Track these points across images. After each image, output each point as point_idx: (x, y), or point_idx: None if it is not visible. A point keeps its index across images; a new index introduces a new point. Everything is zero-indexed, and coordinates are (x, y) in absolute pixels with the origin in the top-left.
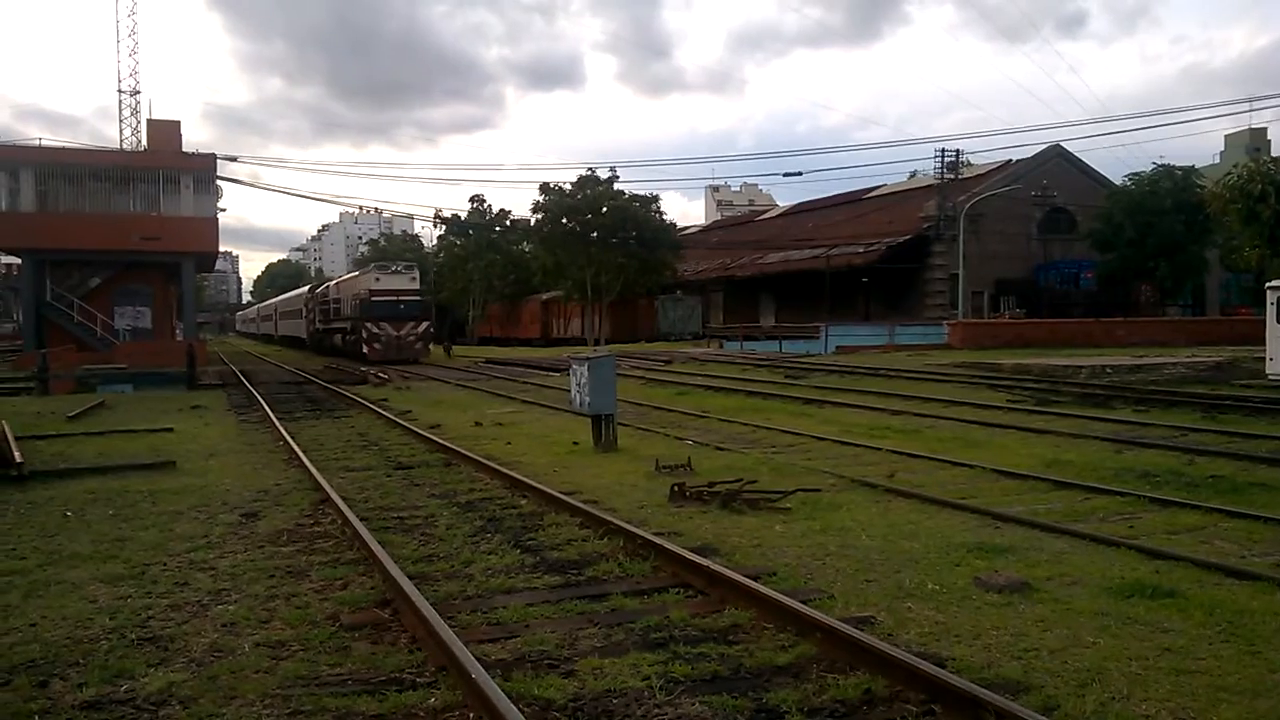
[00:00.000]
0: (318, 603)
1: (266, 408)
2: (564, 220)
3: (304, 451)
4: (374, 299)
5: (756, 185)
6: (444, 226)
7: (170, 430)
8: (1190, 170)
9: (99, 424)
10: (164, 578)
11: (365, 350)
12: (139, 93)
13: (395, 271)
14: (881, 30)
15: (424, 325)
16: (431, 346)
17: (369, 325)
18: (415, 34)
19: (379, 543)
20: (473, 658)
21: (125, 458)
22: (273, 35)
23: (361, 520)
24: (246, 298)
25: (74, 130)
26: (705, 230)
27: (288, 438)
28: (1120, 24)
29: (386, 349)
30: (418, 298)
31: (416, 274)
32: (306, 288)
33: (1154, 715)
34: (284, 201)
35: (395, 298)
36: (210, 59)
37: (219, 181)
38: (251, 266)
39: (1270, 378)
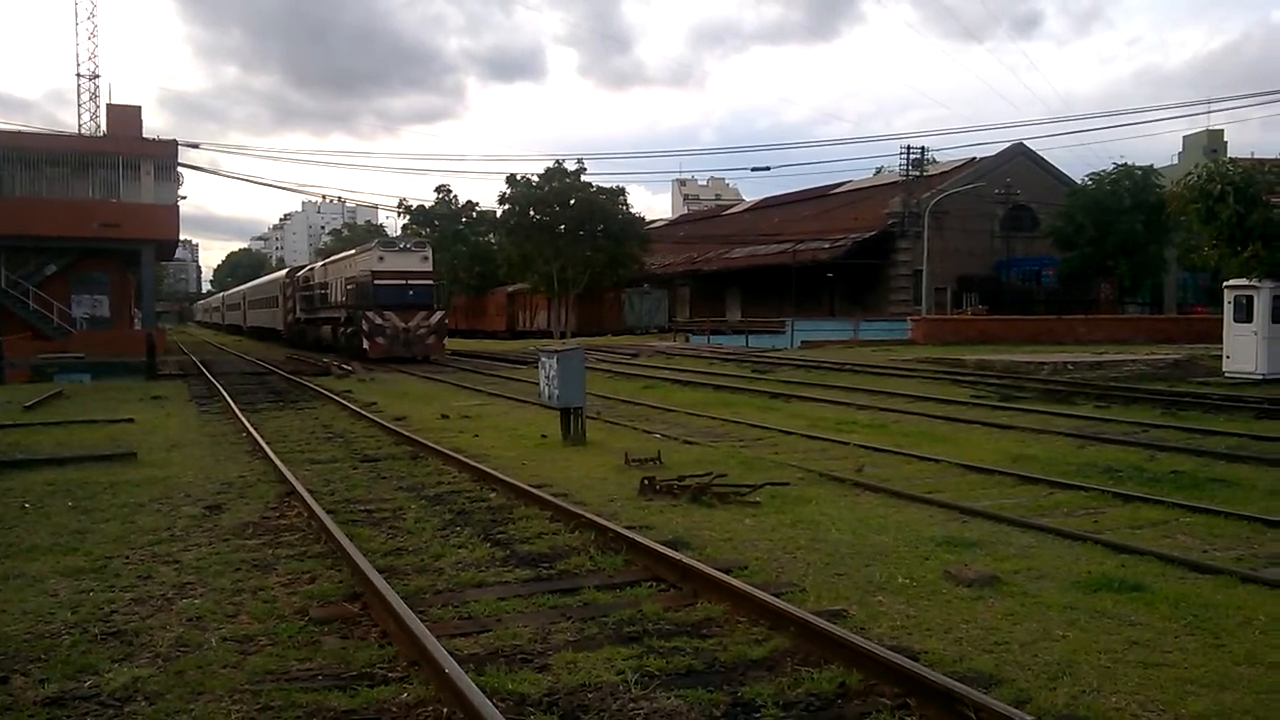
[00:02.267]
0: (285, 597)
1: (228, 399)
2: (531, 212)
3: (267, 443)
4: (377, 283)
5: (723, 180)
6: (408, 216)
7: (130, 421)
8: (1149, 170)
9: (57, 414)
10: (126, 571)
11: (365, 345)
12: (98, 77)
13: (404, 249)
14: (840, 28)
15: (437, 315)
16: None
17: (370, 315)
18: (373, 23)
19: (347, 536)
20: (445, 652)
21: (84, 448)
22: (229, 23)
23: (328, 513)
24: (207, 287)
25: (26, 114)
26: (672, 224)
27: (250, 429)
28: (1075, 25)
29: (392, 344)
30: (430, 282)
31: (429, 253)
32: (283, 271)
33: (1124, 707)
34: (245, 190)
35: (403, 281)
36: (166, 46)
37: (180, 168)
38: (211, 255)
39: (1227, 375)
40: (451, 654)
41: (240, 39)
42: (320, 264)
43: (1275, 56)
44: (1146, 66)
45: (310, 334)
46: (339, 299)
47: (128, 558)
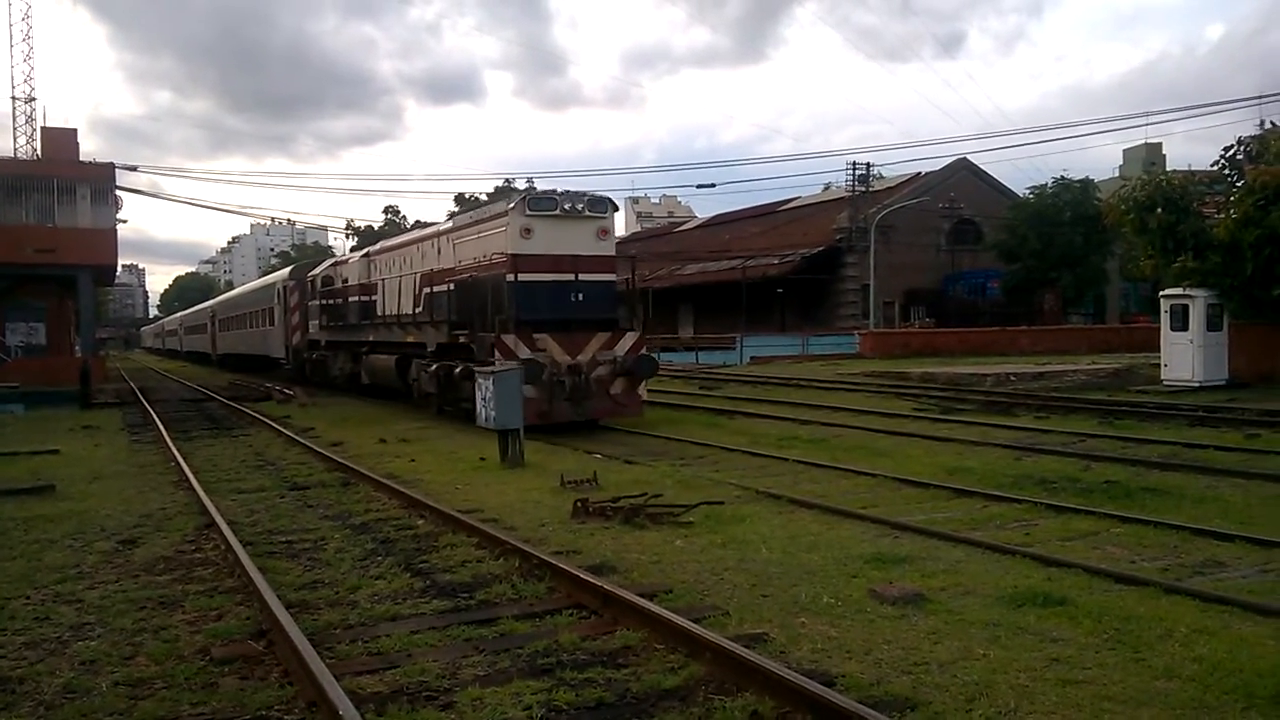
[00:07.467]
0: (188, 636)
1: (161, 427)
2: None
3: (195, 473)
4: (521, 278)
5: (675, 197)
6: (358, 237)
7: (56, 452)
8: (1087, 183)
9: None
10: (23, 612)
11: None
12: (34, 99)
13: (568, 213)
14: (766, 52)
15: (629, 340)
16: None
17: (505, 343)
18: (304, 47)
19: (259, 569)
20: (342, 692)
21: (0, 483)
22: (160, 48)
23: (246, 545)
24: (155, 312)
25: None
26: (624, 242)
27: (179, 458)
28: (998, 45)
29: (550, 397)
30: (612, 277)
31: (611, 222)
32: (284, 271)
33: None
34: (189, 213)
35: (570, 275)
36: (96, 72)
37: (119, 192)
38: (158, 280)
39: (1165, 384)
40: (354, 693)
41: (172, 64)
42: (359, 256)
43: (1190, 72)
44: (1075, 82)
45: (339, 366)
46: (406, 311)
47: (28, 598)
